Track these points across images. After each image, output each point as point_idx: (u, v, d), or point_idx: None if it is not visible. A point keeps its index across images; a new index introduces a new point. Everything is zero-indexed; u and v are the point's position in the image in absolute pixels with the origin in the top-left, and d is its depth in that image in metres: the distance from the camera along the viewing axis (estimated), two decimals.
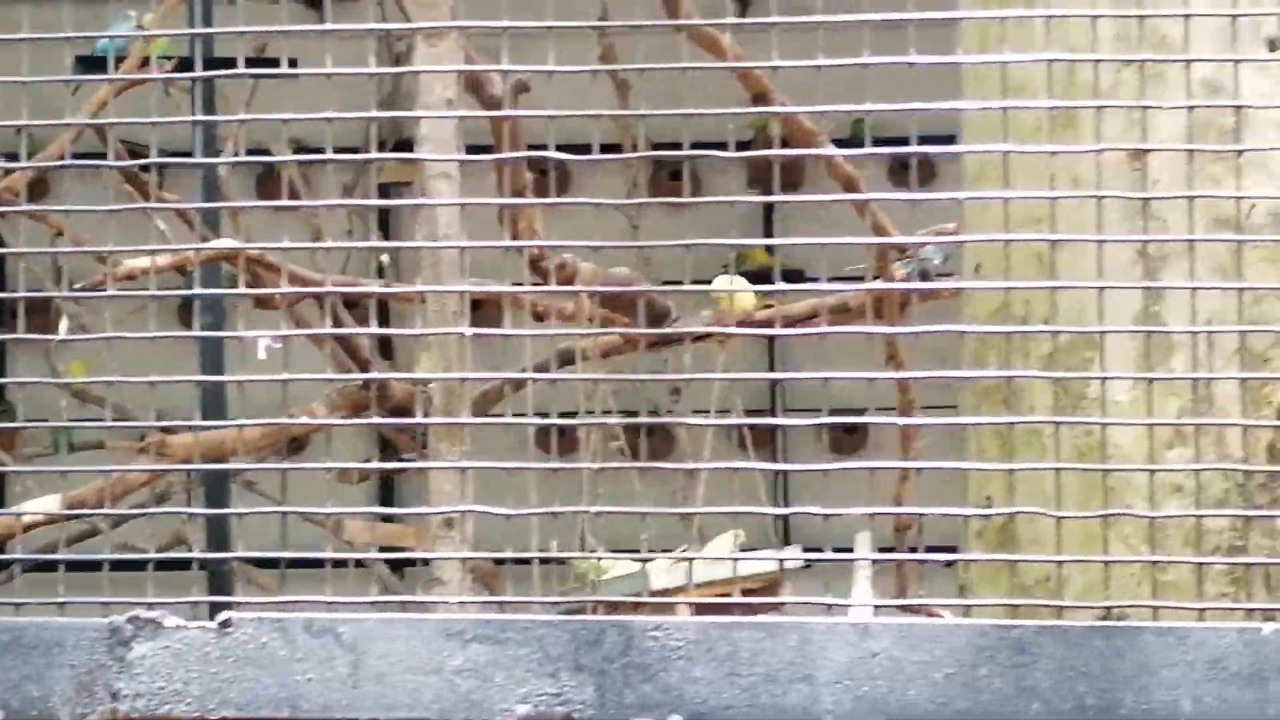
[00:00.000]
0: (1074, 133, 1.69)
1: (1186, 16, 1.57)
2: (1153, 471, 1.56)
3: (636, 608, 3.35)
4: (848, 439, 7.22)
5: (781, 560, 3.43)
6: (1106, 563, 1.57)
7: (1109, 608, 1.52)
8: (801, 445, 7.55)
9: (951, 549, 1.85)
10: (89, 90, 4.80)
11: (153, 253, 2.16)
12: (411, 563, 5.65)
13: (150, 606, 1.23)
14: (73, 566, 1.49)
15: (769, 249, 6.82)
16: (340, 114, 1.47)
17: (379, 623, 1.20)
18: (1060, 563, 1.57)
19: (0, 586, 5.32)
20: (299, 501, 1.54)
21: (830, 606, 1.33)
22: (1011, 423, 1.73)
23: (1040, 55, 1.63)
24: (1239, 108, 1.62)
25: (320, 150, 1.58)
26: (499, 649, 1.18)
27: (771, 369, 7.43)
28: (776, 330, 1.60)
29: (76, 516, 4.35)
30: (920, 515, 1.58)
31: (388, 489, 7.67)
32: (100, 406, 5.36)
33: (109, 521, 2.21)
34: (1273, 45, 1.76)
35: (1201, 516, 1.66)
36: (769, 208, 7.25)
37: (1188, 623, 1.25)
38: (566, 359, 3.59)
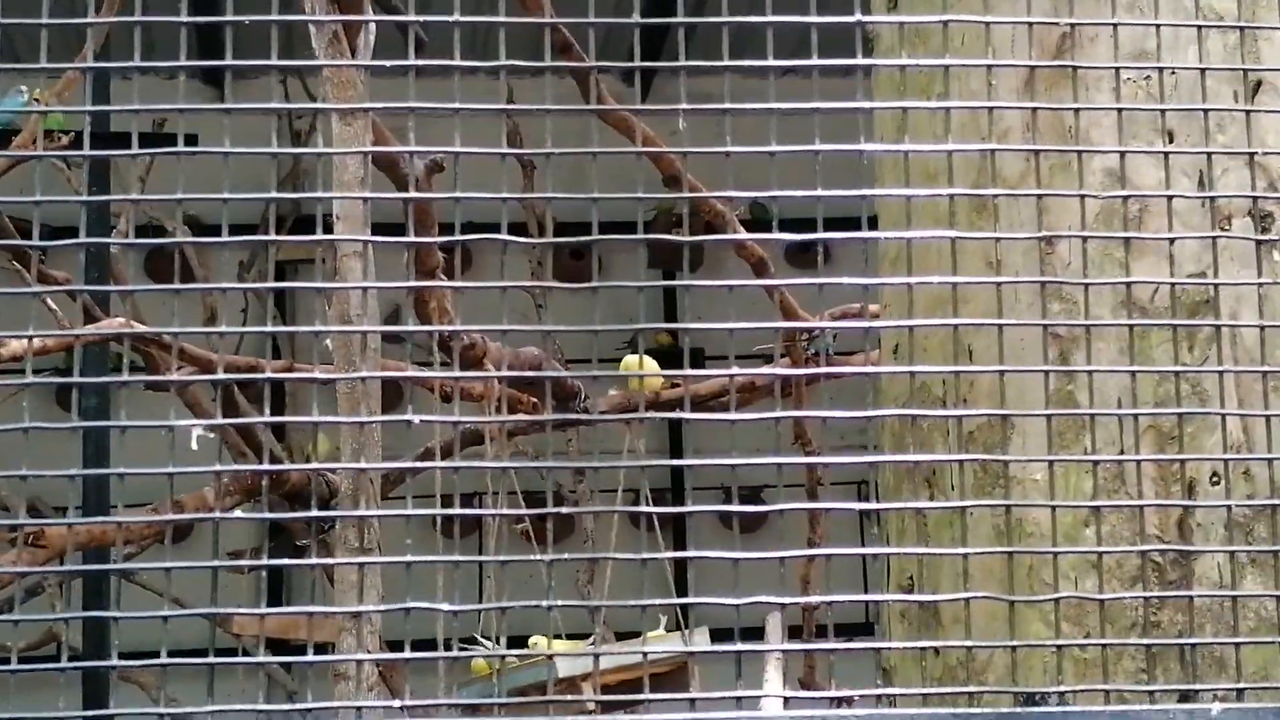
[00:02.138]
0: (987, 217, 1.72)
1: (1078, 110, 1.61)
2: (1056, 553, 1.57)
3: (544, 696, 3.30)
4: (753, 519, 7.23)
5: (690, 646, 3.40)
6: (1014, 647, 1.56)
7: (1032, 693, 1.53)
8: (703, 521, 7.53)
9: (869, 626, 1.84)
10: None
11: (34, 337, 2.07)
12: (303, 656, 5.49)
13: None
14: None
15: (671, 330, 6.87)
16: (240, 195, 1.44)
17: None
18: (970, 647, 1.58)
19: None
20: (183, 590, 1.46)
21: (740, 700, 1.30)
22: (921, 507, 1.74)
23: (946, 145, 1.66)
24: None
25: (216, 227, 1.55)
26: None
27: (675, 449, 7.40)
28: (686, 414, 1.59)
29: None
30: (829, 602, 1.58)
31: (276, 578, 7.49)
32: None
33: None
34: (1170, 136, 1.81)
35: (1104, 600, 1.67)
36: (670, 290, 7.30)
37: (1139, 705, 1.24)
38: (472, 439, 3.55)
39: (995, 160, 1.69)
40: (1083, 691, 1.46)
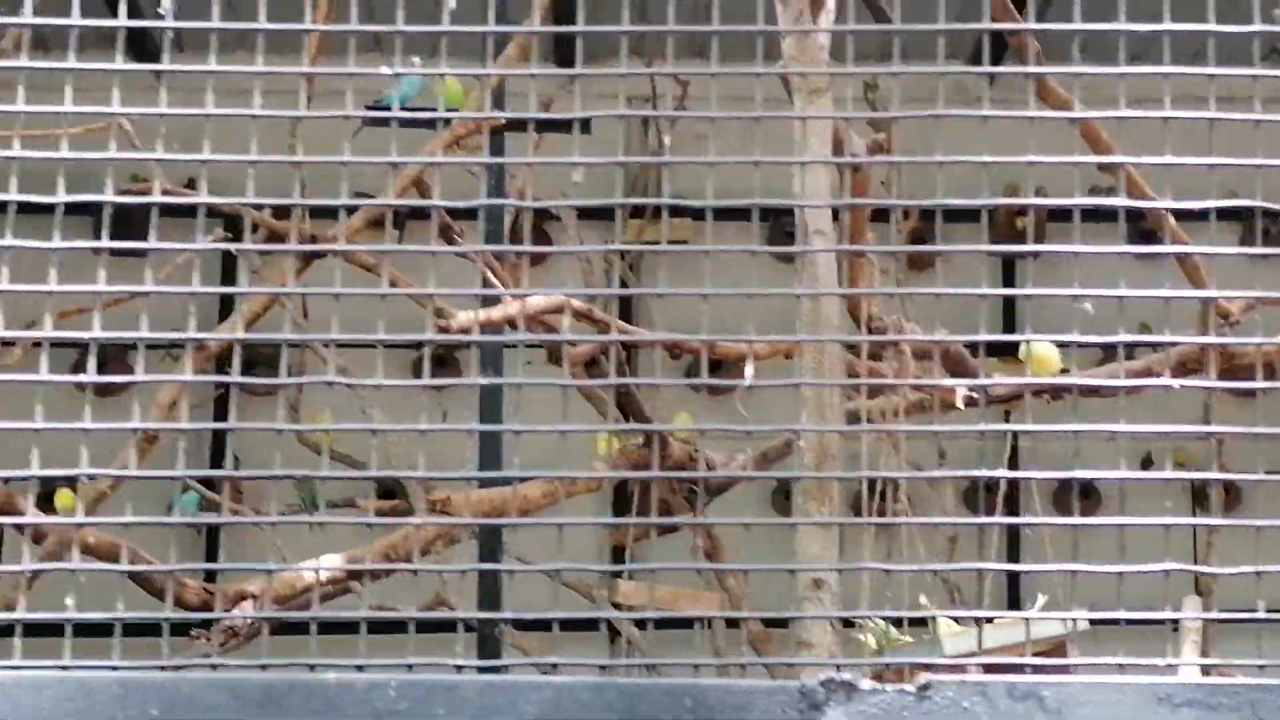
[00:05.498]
0: None
1: None
2: None
3: (928, 670, 3.31)
4: (1084, 503, 7.03)
5: (1083, 620, 3.37)
6: None
7: None
8: (1033, 511, 7.33)
9: None
10: (376, 145, 4.89)
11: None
12: (672, 624, 5.60)
13: (798, 668, 1.18)
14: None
15: (1012, 319, 6.79)
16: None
17: (1084, 687, 1.16)
18: None
19: (255, 644, 5.41)
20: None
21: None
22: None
23: None
24: None
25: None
26: (1209, 714, 1.13)
27: (1014, 442, 7.28)
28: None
29: (386, 570, 4.42)
30: None
31: (620, 557, 7.58)
32: (345, 464, 5.45)
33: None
34: None
35: None
36: (1010, 276, 7.18)
37: None
38: (857, 419, 3.62)
39: None
40: None
